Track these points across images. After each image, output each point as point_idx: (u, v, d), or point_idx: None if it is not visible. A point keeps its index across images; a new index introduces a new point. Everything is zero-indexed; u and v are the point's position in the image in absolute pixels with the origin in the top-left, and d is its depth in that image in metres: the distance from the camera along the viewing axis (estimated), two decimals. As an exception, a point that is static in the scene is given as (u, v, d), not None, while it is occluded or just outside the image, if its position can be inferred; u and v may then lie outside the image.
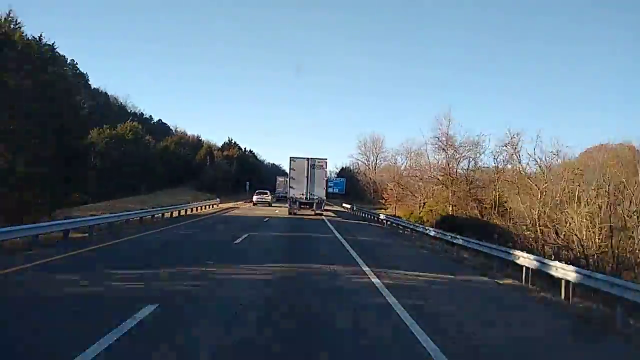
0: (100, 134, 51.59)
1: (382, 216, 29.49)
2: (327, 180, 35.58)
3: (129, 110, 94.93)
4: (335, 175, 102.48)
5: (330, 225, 23.65)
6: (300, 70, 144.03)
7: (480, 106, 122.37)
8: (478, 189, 36.19)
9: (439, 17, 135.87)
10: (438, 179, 40.58)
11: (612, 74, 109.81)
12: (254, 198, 45.55)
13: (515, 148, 31.56)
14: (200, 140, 77.18)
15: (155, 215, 21.65)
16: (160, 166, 63.36)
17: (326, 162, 30.85)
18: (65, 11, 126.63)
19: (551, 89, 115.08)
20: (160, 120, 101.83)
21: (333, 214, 37.22)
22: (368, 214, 35.71)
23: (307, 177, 29.97)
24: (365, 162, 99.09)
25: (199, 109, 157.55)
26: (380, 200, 76.91)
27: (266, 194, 46.90)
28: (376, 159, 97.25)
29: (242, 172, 76.83)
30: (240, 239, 14.81)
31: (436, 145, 39.72)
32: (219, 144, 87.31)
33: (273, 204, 45.59)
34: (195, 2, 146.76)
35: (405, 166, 79.08)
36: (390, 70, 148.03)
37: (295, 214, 30.28)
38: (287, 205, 33.54)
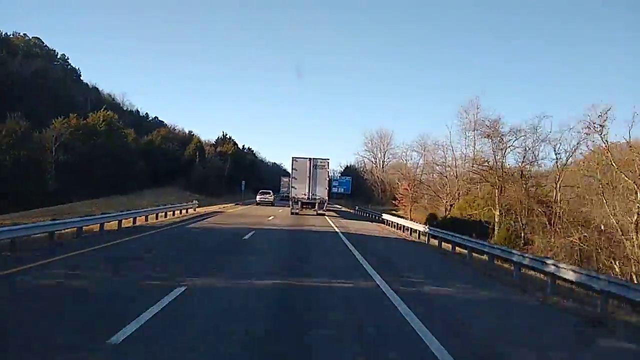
0: (64, 124, 42.29)
1: (420, 227, 19.94)
2: (329, 180, 33.81)
3: (126, 109, 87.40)
4: (340, 174, 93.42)
5: (351, 247, 14.11)
6: (301, 71, 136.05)
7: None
8: (538, 187, 26.86)
9: (442, 16, 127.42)
10: (480, 175, 31.05)
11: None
12: (257, 198, 44.93)
13: (602, 131, 22.15)
14: (192, 135, 67.80)
15: (64, 231, 12.47)
16: (143, 163, 54.15)
17: (328, 162, 29.66)
18: (63, 10, 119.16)
19: (552, 89, 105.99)
20: (156, 117, 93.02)
21: (343, 220, 27.85)
22: (390, 223, 26.30)
23: (309, 177, 28.83)
24: (372, 159, 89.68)
25: (199, 109, 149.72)
26: (393, 202, 67.73)
27: (269, 193, 45.80)
28: (384, 156, 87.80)
29: (237, 170, 67.45)
30: (130, 331, 5.00)
31: (478, 132, 30.21)
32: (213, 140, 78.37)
33: (276, 204, 44.06)
34: (197, 1, 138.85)
35: (419, 163, 69.63)
36: (393, 70, 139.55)
37: (297, 214, 28.66)
38: (287, 207, 32.26)
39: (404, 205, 58.22)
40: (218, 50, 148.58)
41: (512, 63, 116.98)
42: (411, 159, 65.65)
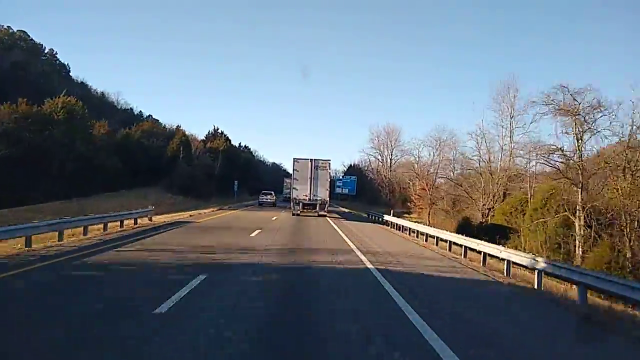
0: (10, 110, 33.15)
1: (522, 258, 10.58)
2: (330, 181, 32.03)
3: (120, 107, 79.59)
4: (343, 174, 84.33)
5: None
6: (307, 72, 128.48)
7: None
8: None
9: (443, 15, 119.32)
10: (556, 168, 21.74)
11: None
12: (260, 198, 44.85)
13: None
14: (181, 129, 58.44)
15: None
16: (117, 160, 45.11)
17: (330, 163, 28.75)
18: (60, 9, 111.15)
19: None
20: (150, 115, 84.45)
21: (360, 232, 18.61)
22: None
23: (311, 178, 27.88)
24: (379, 157, 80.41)
25: (198, 109, 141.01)
26: (408, 204, 58.58)
27: (271, 194, 45.35)
28: (392, 154, 78.45)
29: (231, 169, 58.24)
30: None
31: (550, 106, 20.83)
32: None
33: (278, 204, 43.29)
34: (199, 1, 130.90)
35: (434, 159, 60.51)
36: (396, 68, 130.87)
37: (299, 214, 27.31)
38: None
39: (420, 208, 49.10)
40: (218, 50, 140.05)
41: (513, 63, 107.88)
42: (429, 155, 56.20)
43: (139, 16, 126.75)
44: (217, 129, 62.03)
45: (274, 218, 24.47)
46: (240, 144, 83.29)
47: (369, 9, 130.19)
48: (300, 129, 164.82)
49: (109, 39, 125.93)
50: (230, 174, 55.60)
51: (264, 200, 43.79)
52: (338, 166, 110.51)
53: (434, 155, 56.43)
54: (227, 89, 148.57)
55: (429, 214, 47.56)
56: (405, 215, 52.97)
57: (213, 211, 28.81)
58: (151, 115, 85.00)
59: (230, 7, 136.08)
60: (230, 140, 62.89)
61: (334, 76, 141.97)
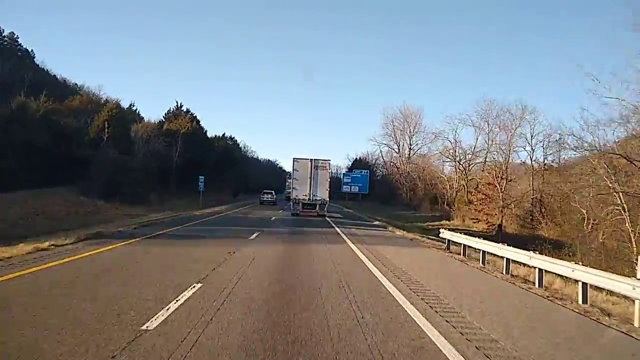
0: None
1: None
2: (330, 181, 28.65)
3: (97, 99, 61.94)
4: (347, 169, 65.16)
5: None
6: (309, 73, 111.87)
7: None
8: None
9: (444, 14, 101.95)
10: None
11: None
12: (260, 197, 43.96)
13: None
14: (114, 101, 38.66)
15: None
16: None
17: (329, 163, 27.21)
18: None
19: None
20: (131, 107, 67.05)
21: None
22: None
23: (311, 178, 26.44)
24: (395, 146, 61.12)
25: (196, 109, 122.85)
26: (447, 207, 39.67)
27: (271, 194, 44.03)
28: (410, 142, 59.19)
29: (202, 161, 39.41)
30: None
31: None
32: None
33: (278, 204, 41.48)
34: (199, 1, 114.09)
35: (479, 140, 41.46)
36: (398, 68, 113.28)
37: (299, 215, 25.91)
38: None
39: (486, 214, 30.04)
40: (218, 50, 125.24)
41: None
42: (474, 139, 37.25)
43: (136, 16, 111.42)
44: (180, 106, 42.68)
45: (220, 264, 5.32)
46: (224, 134, 64.36)
47: (369, 8, 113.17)
48: (299, 128, 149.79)
49: (108, 38, 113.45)
50: (200, 168, 36.66)
51: (265, 199, 43.74)
52: (341, 161, 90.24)
53: (477, 138, 36.98)
54: (225, 88, 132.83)
55: (500, 225, 28.42)
56: (445, 222, 34.12)
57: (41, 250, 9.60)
58: (132, 106, 67.64)
59: (230, 8, 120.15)
60: (198, 121, 43.41)
61: (335, 75, 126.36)
